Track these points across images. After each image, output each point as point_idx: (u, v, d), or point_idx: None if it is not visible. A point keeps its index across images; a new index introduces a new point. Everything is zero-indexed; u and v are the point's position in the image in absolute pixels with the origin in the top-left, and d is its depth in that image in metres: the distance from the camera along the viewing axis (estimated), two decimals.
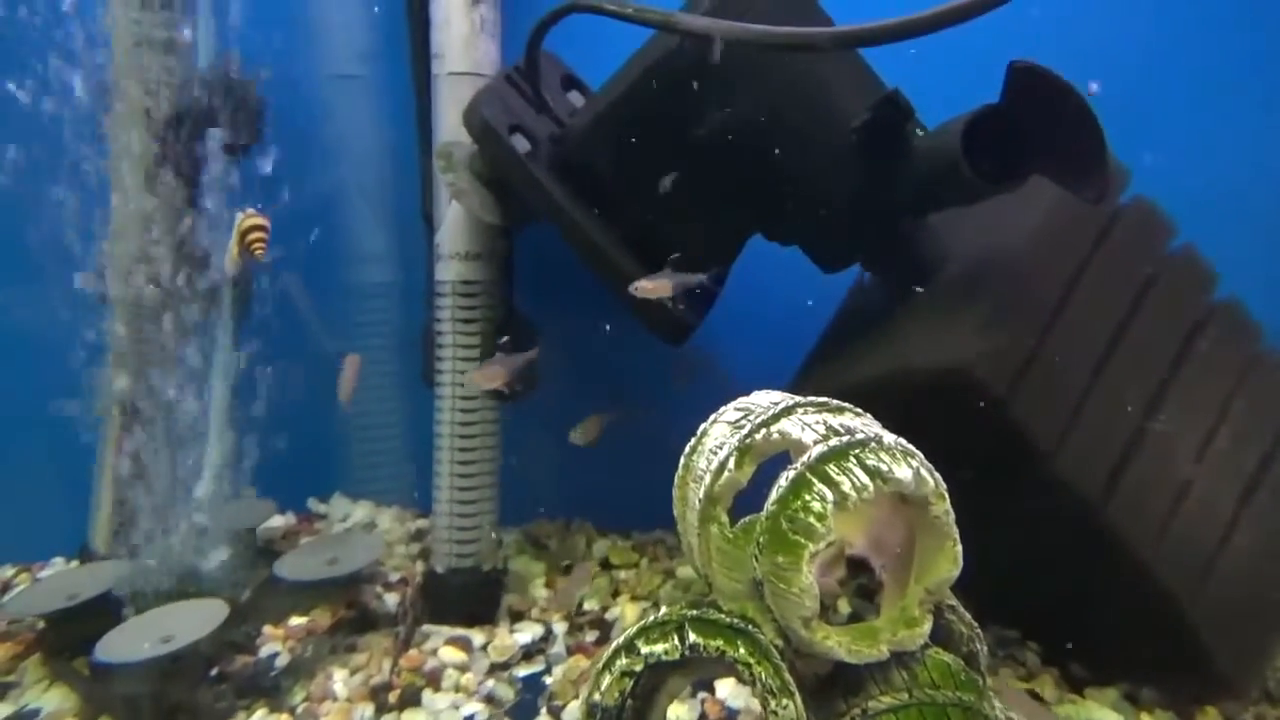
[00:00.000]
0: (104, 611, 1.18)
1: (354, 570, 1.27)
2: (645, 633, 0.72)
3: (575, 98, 1.40)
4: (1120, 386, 1.06)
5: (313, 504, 1.65)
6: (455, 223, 1.32)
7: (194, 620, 1.11)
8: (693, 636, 0.71)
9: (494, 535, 1.36)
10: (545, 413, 1.50)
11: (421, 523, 1.58)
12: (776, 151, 1.10)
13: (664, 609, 0.74)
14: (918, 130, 1.08)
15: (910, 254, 1.17)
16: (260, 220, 1.16)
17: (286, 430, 1.40)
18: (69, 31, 1.25)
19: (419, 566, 1.42)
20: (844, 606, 1.19)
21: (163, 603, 1.17)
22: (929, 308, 1.12)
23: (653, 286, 1.12)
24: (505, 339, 1.20)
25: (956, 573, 0.74)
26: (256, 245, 1.15)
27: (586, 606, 1.35)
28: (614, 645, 0.73)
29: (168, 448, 1.31)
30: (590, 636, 1.27)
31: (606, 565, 1.48)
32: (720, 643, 0.71)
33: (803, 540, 0.69)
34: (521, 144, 1.21)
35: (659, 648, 0.71)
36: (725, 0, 1.02)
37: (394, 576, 1.38)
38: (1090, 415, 1.04)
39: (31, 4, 1.26)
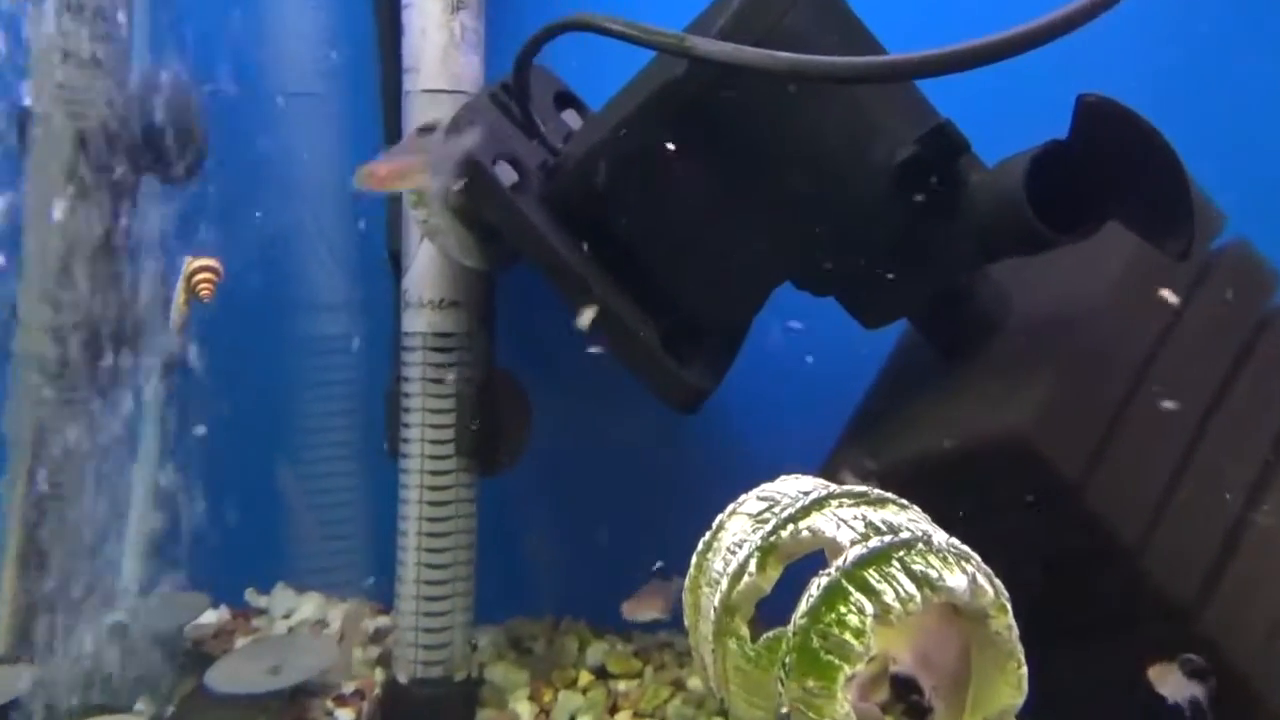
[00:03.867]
0: None
1: (300, 680, 1.27)
2: None
3: (571, 118, 1.44)
4: (1217, 468, 1.07)
5: (251, 596, 1.65)
6: (427, 266, 1.35)
7: None
8: None
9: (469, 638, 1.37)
10: (530, 490, 1.52)
11: (382, 621, 1.59)
12: (808, 188, 1.13)
13: None
14: (973, 168, 1.11)
15: (965, 308, 1.19)
16: (211, 262, 1.20)
17: (221, 509, 1.42)
18: None
19: (378, 675, 1.42)
20: None
21: (73, 718, 1.18)
22: (987, 372, 1.15)
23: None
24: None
25: (1021, 700, 0.75)
26: (204, 285, 1.19)
27: None
28: None
29: (81, 530, 1.33)
30: None
31: (603, 674, 1.48)
32: None
33: (837, 661, 0.70)
34: (508, 175, 1.25)
35: None
36: (744, 19, 1.05)
37: (348, 688, 1.39)
38: (1182, 503, 1.05)
39: None
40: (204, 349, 1.42)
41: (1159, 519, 1.04)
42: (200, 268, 1.20)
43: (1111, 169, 0.98)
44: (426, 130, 1.24)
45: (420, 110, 1.35)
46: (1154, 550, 1.03)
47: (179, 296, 1.21)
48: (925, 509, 0.87)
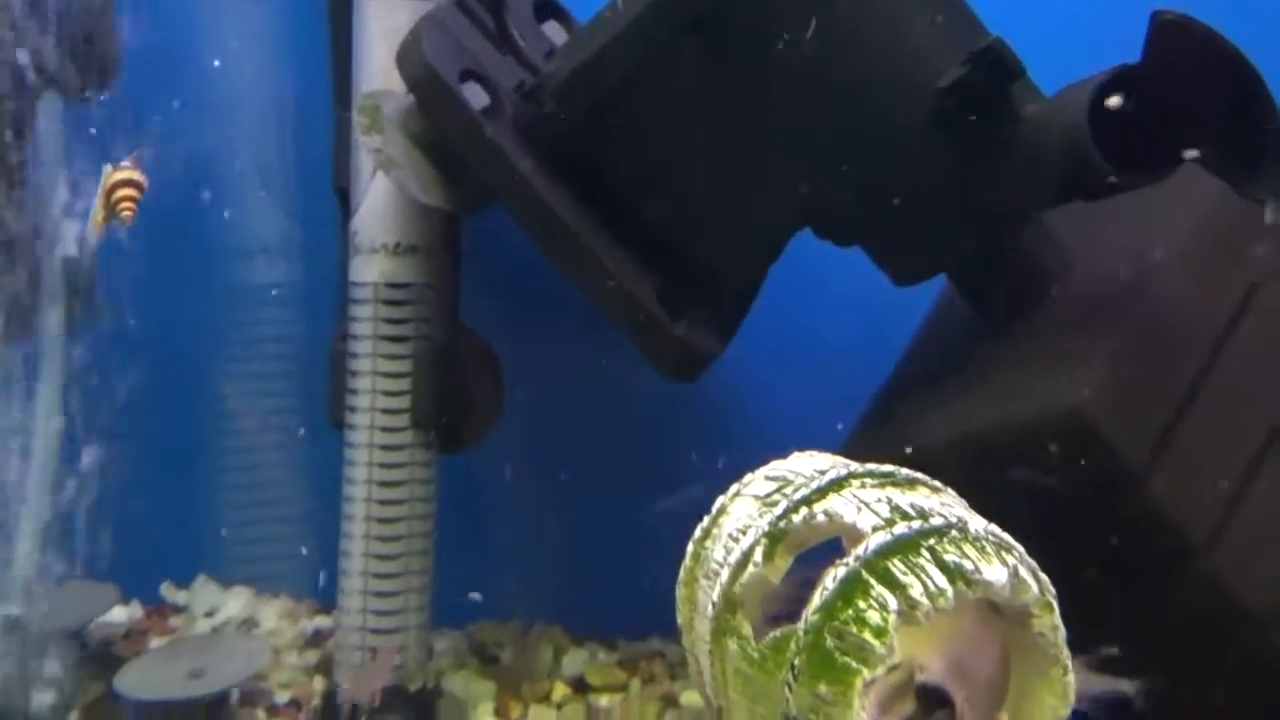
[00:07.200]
0: None
1: (226, 687, 1.29)
2: None
3: (554, 31, 1.44)
4: None
5: (167, 591, 1.67)
6: (381, 204, 1.36)
7: None
8: None
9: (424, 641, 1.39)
10: (499, 471, 1.53)
11: (322, 621, 1.61)
12: (833, 118, 1.14)
13: None
14: (1028, 96, 1.12)
15: (1013, 263, 1.21)
16: (133, 174, 1.20)
17: (133, 488, 1.43)
18: None
19: (318, 684, 1.45)
20: None
21: None
22: (1038, 340, 1.16)
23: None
24: None
25: (1066, 711, 0.77)
26: (125, 205, 1.19)
27: None
28: None
29: None
30: None
31: (582, 687, 1.50)
32: None
33: (855, 664, 0.72)
34: (477, 97, 1.25)
35: None
36: None
37: (282, 697, 1.41)
38: (1261, 498, 1.07)
39: None
40: (112, 298, 1.43)
41: (1233, 515, 1.06)
42: (121, 181, 1.19)
43: (1190, 101, 0.99)
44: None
45: (373, 14, 1.35)
46: (1226, 550, 1.05)
47: (96, 212, 1.21)
48: (962, 498, 0.89)
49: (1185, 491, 1.05)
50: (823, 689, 0.72)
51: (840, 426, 1.33)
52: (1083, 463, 1.04)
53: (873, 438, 1.29)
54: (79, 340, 1.41)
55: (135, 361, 1.44)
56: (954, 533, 0.76)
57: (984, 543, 0.76)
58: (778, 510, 0.81)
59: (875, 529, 0.77)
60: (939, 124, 1.12)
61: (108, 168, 1.21)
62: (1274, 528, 1.07)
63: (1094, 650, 0.88)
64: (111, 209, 1.20)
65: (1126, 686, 0.96)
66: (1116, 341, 1.08)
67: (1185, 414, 1.07)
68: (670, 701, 1.46)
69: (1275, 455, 1.08)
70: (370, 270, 1.36)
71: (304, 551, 1.57)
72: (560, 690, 1.49)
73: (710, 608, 0.82)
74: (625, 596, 1.41)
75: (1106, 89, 1.04)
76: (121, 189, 1.19)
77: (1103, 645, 0.90)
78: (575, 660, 1.55)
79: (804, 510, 0.80)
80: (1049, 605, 0.76)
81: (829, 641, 0.72)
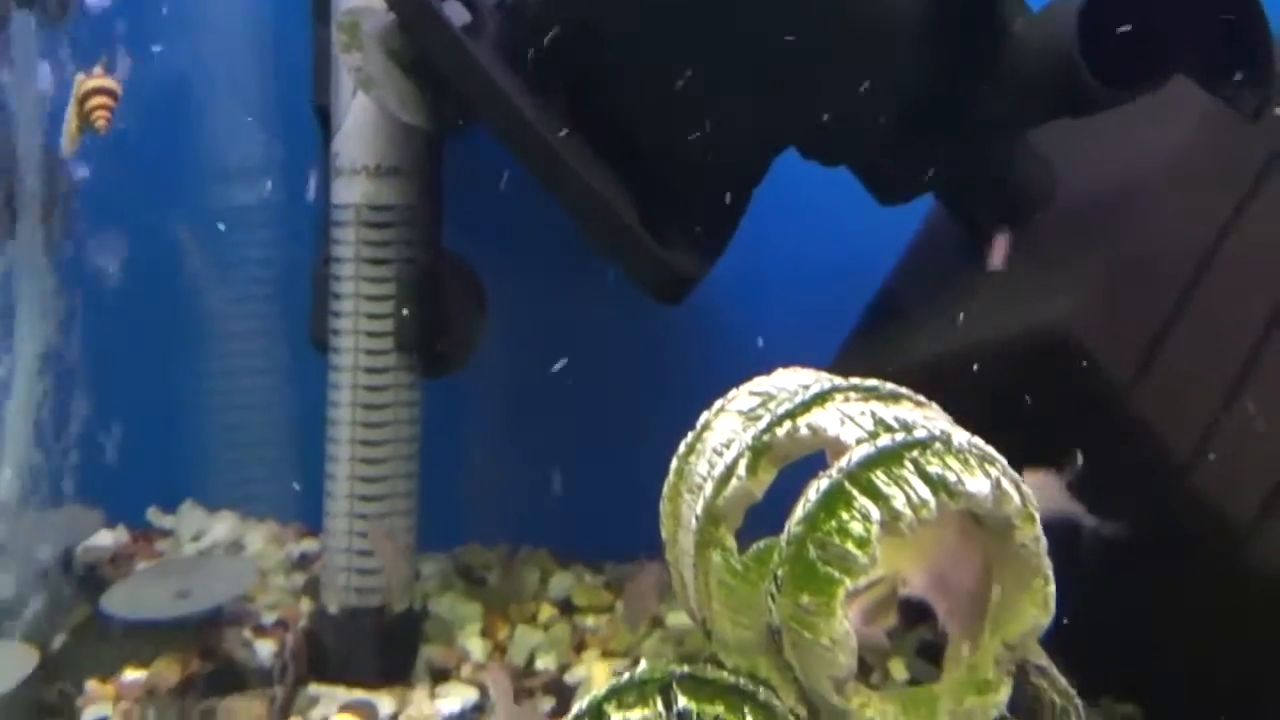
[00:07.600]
0: None
1: (212, 607, 1.30)
2: (618, 695, 0.75)
3: None
4: None
5: (154, 515, 1.68)
6: (362, 124, 1.34)
7: None
8: (683, 701, 0.74)
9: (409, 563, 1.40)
10: (483, 394, 1.53)
11: (309, 544, 1.62)
12: (819, 35, 1.13)
13: (645, 665, 0.77)
14: (1017, 10, 1.11)
15: (1001, 183, 1.21)
16: (106, 82, 1.19)
17: (118, 412, 1.43)
18: None
19: (304, 605, 1.46)
20: (898, 669, 1.24)
21: None
22: (1025, 259, 1.16)
23: None
24: None
25: (1047, 621, 0.78)
26: (99, 114, 1.18)
27: (539, 665, 1.39)
28: (574, 713, 0.76)
29: None
30: (544, 705, 1.32)
31: (569, 608, 1.52)
32: (720, 709, 0.74)
33: (837, 574, 0.72)
34: (458, 14, 1.24)
35: (636, 715, 0.74)
36: None
37: (269, 618, 1.42)
38: (1244, 415, 1.08)
39: None
40: (91, 219, 1.42)
41: (1216, 431, 1.07)
42: (94, 89, 1.18)
43: (1177, 12, 0.98)
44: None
45: None
46: (1210, 467, 1.06)
47: (70, 121, 1.20)
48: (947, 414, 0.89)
49: (1170, 406, 1.05)
50: (805, 599, 0.73)
51: (826, 346, 1.33)
52: (1068, 378, 1.04)
53: (860, 355, 1.29)
54: (58, 261, 1.40)
55: (117, 284, 1.43)
56: (937, 445, 0.76)
57: (967, 455, 0.76)
58: (761, 424, 0.81)
59: (859, 441, 0.77)
60: (926, 39, 1.11)
61: (80, 76, 1.20)
62: (1257, 441, 1.07)
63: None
64: (85, 118, 1.19)
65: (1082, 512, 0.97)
66: (1102, 259, 1.08)
67: (1170, 331, 1.07)
68: (656, 621, 1.47)
69: (1259, 371, 1.09)
70: (352, 192, 1.34)
71: (289, 475, 1.57)
72: (547, 611, 1.51)
73: (694, 521, 0.82)
74: (610, 518, 1.42)
75: (1094, 3, 1.03)
76: (94, 97, 1.18)
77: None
78: (562, 582, 1.57)
79: (788, 424, 0.80)
80: (1031, 516, 0.76)
81: (812, 552, 0.73)
